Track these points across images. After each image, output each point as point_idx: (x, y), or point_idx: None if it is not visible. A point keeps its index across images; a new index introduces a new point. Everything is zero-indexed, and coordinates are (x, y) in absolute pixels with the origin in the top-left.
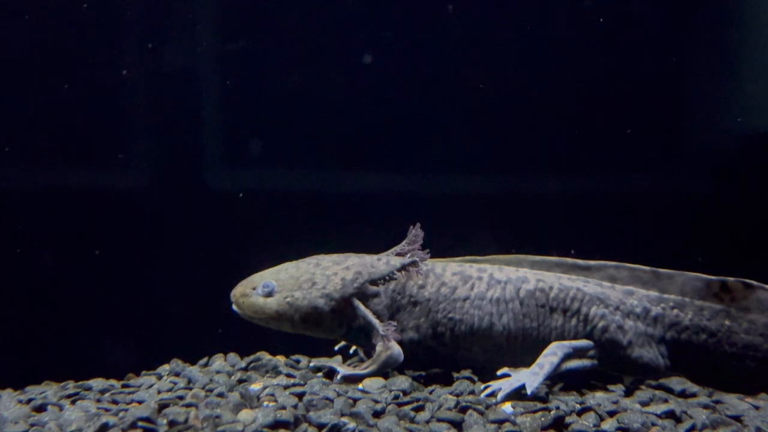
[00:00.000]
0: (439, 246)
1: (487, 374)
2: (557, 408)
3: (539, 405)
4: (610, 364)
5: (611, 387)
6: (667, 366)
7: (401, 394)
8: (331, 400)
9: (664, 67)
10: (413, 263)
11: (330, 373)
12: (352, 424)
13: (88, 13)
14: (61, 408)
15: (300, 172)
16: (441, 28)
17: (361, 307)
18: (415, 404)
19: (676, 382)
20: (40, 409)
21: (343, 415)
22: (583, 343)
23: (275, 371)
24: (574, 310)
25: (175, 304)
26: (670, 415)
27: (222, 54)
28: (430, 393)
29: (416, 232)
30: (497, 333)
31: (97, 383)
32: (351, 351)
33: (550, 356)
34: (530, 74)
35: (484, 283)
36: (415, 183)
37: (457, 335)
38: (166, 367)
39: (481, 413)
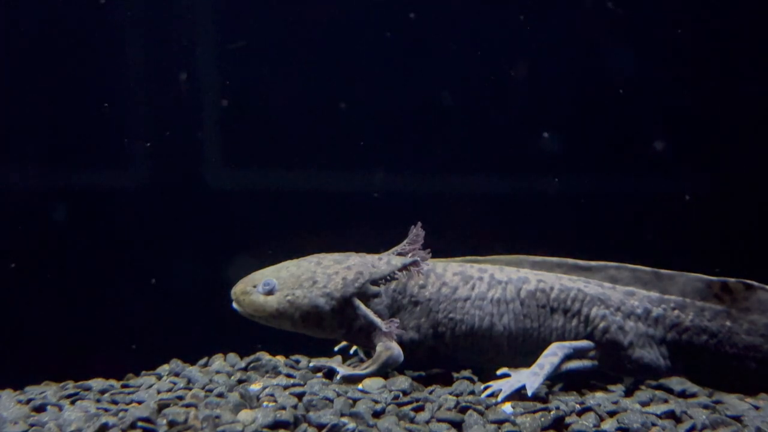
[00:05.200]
0: (440, 246)
1: (487, 374)
2: (557, 408)
3: (539, 405)
4: (610, 364)
5: (611, 387)
6: (668, 367)
7: (401, 394)
8: (331, 401)
9: (664, 67)
10: (414, 263)
11: (330, 374)
12: (351, 425)
13: (88, 12)
14: (60, 408)
15: (300, 172)
16: (442, 28)
17: (362, 306)
18: (415, 404)
19: (676, 383)
20: (40, 409)
21: (342, 415)
22: (584, 343)
23: (275, 371)
24: (574, 310)
25: (175, 304)
26: (670, 415)
27: (222, 54)
28: (430, 393)
29: (417, 232)
30: (498, 333)
31: (97, 383)
32: (351, 351)
33: (550, 357)
34: (531, 74)
35: (485, 283)
36: (415, 183)
37: (457, 335)
38: (166, 367)
39: (481, 413)
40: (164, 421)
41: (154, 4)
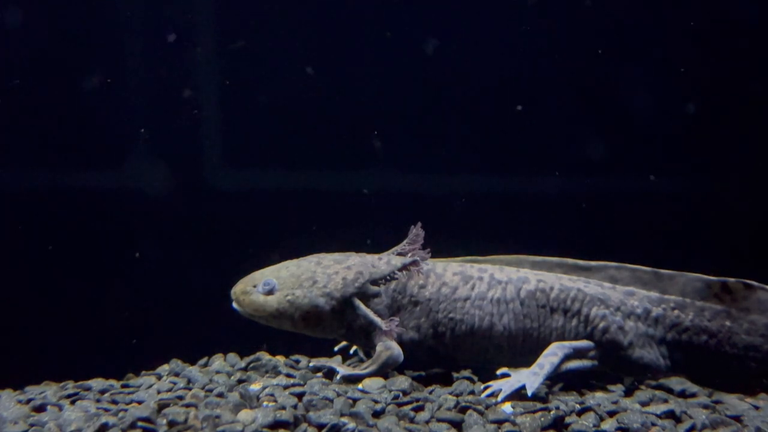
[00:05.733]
0: (440, 246)
1: (487, 374)
2: (557, 408)
3: (539, 405)
4: (610, 364)
5: (611, 387)
6: (668, 367)
7: (401, 394)
8: (331, 401)
9: (664, 67)
10: (414, 263)
11: (330, 373)
12: (351, 424)
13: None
14: (60, 408)
15: (300, 172)
16: (441, 27)
17: (362, 306)
18: (414, 404)
19: (676, 382)
20: (40, 409)
21: (342, 415)
22: (584, 343)
23: (275, 371)
24: (574, 310)
25: (175, 303)
26: (669, 415)
27: (222, 54)
28: (430, 393)
29: (417, 232)
30: (498, 333)
31: (97, 383)
32: (351, 351)
33: (550, 357)
34: (530, 74)
35: (485, 283)
36: (416, 183)
37: (457, 335)
38: (166, 367)
39: (481, 413)
40: (164, 421)
41: (154, 3)
